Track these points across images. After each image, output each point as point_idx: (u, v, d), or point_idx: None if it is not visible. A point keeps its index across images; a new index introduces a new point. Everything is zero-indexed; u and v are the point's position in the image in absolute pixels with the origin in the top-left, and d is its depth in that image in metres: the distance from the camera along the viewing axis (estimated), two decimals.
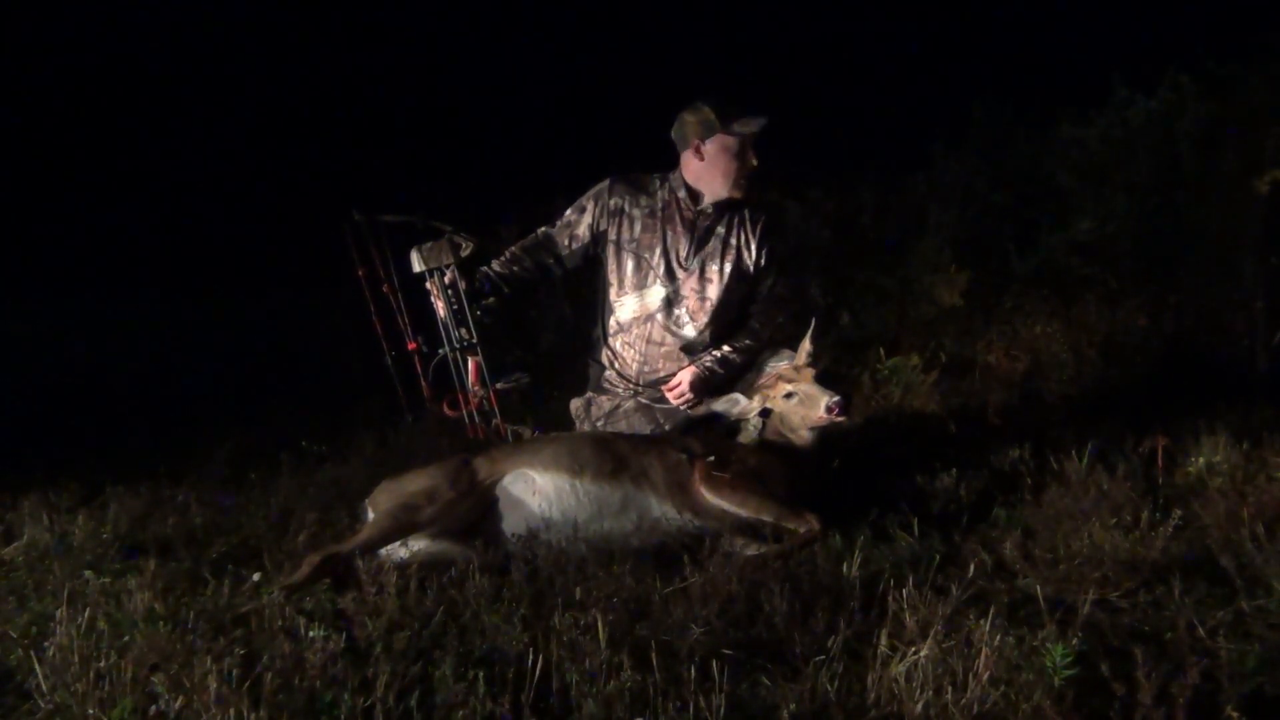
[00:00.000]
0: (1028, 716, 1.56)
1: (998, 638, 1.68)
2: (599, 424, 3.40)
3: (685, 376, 3.22)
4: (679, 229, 3.29)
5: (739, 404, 2.98)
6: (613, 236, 3.34)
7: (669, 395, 3.26)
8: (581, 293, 3.60)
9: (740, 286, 3.30)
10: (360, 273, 3.11)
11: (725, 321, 3.32)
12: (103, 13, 7.29)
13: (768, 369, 3.20)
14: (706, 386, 3.20)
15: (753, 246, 3.29)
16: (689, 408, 3.23)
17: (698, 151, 3.22)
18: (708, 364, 3.24)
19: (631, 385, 3.40)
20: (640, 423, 3.33)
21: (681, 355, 3.31)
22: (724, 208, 3.27)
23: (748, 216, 3.31)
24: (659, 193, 3.34)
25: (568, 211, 3.42)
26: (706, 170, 3.23)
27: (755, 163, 3.21)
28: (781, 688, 1.71)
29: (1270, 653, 1.75)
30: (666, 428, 3.30)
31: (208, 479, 3.68)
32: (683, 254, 3.29)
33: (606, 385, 3.46)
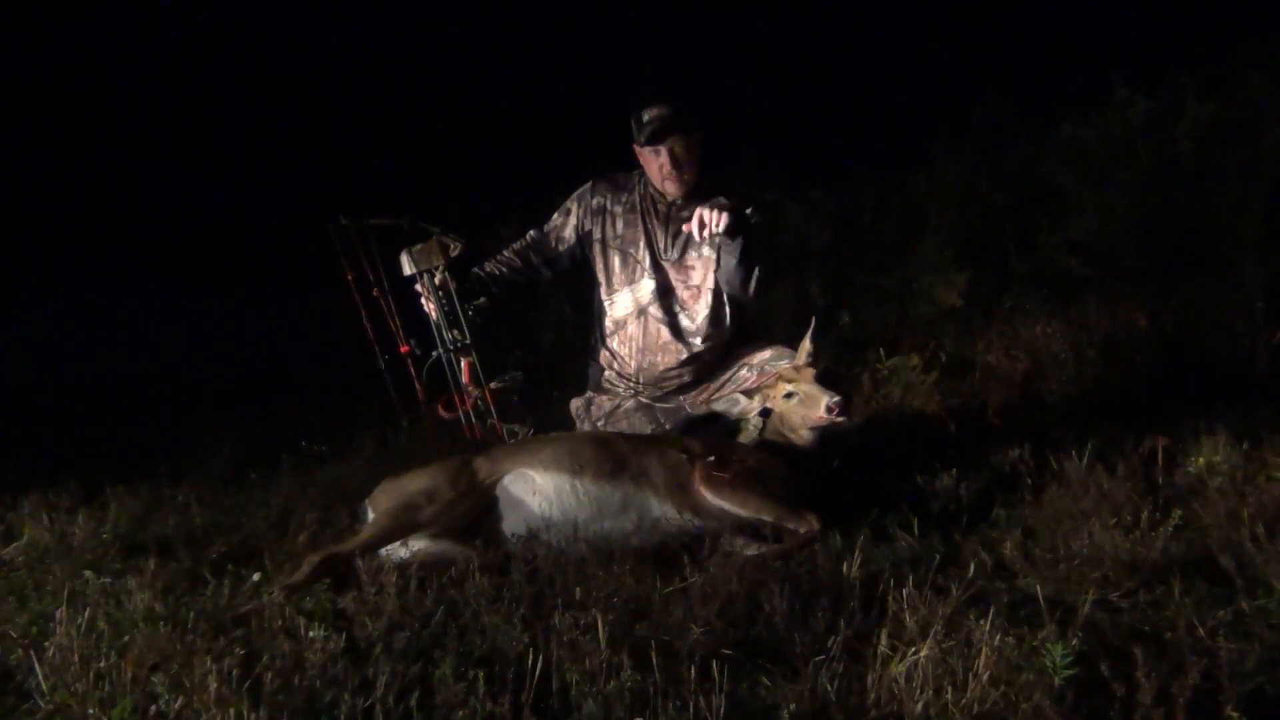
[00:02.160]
0: (1028, 716, 1.56)
1: (998, 638, 1.68)
2: (599, 424, 3.41)
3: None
4: (656, 222, 3.32)
5: (739, 404, 2.98)
6: (598, 236, 3.36)
7: (703, 217, 2.96)
8: (581, 293, 3.60)
9: None
10: (349, 277, 3.10)
11: (716, 308, 3.31)
12: (102, 15, 7.29)
13: (769, 369, 3.21)
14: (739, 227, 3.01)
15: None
16: (705, 403, 3.22)
17: (638, 157, 3.27)
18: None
19: (631, 384, 3.40)
20: (640, 422, 3.34)
21: (679, 347, 3.31)
22: (692, 198, 3.27)
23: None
24: (637, 188, 3.36)
25: (554, 215, 3.45)
26: (648, 175, 3.29)
27: (668, 164, 3.14)
28: (781, 688, 1.71)
29: (1270, 653, 1.75)
30: (667, 427, 3.30)
31: (208, 479, 3.68)
32: (662, 244, 3.31)
33: (607, 385, 3.47)
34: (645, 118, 3.15)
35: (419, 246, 3.13)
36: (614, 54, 8.45)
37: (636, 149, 3.25)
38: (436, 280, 3.12)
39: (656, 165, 3.20)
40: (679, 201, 3.28)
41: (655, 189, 3.33)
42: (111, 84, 7.53)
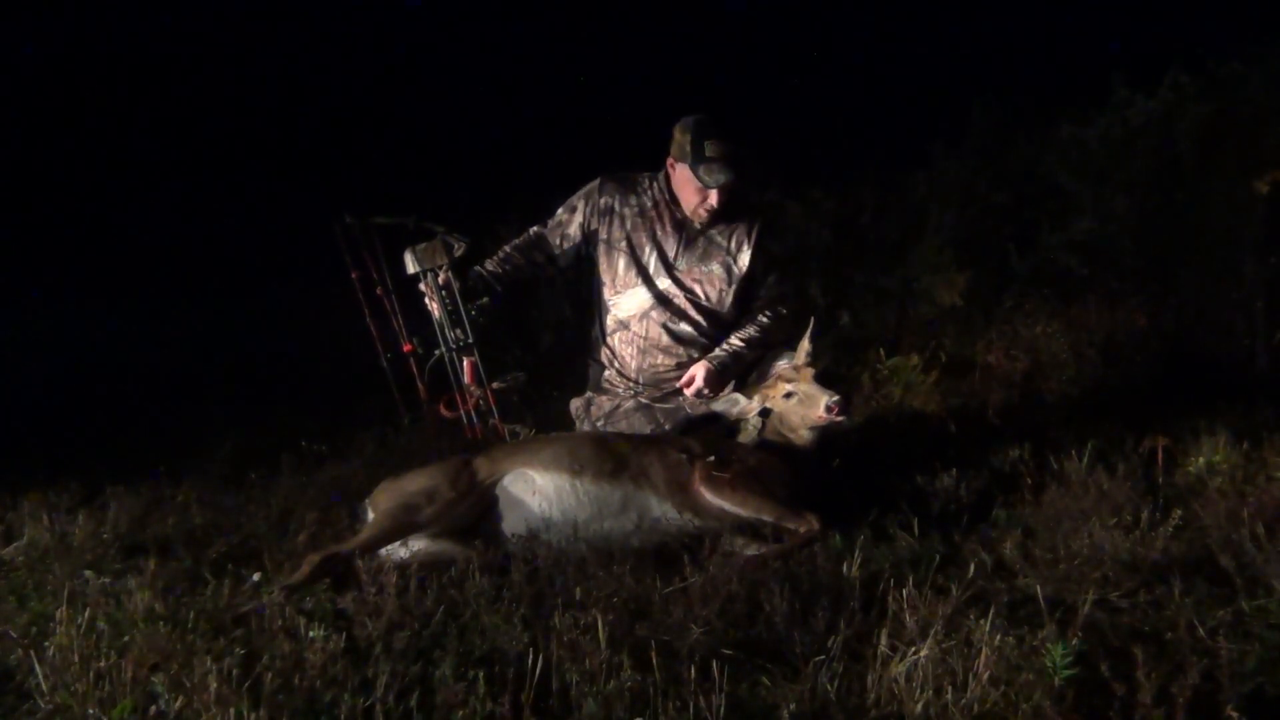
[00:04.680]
0: (1028, 716, 1.56)
1: (998, 638, 1.68)
2: (599, 424, 3.41)
3: (699, 371, 3.17)
4: (668, 228, 3.31)
5: (739, 404, 2.98)
6: (604, 236, 3.35)
7: (685, 391, 3.22)
8: (581, 293, 3.60)
9: (733, 288, 3.31)
10: (354, 275, 3.10)
11: (720, 320, 3.32)
12: (101, 15, 7.29)
13: (770, 370, 3.21)
14: (721, 380, 3.17)
15: (745, 251, 3.29)
16: (704, 402, 3.23)
17: (672, 167, 3.25)
18: (720, 357, 3.21)
19: (631, 384, 3.40)
20: (640, 423, 3.33)
21: (680, 352, 3.31)
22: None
23: (741, 222, 3.31)
24: (649, 191, 3.35)
25: (559, 211, 3.43)
26: (676, 187, 3.27)
27: (715, 205, 3.17)
28: (781, 688, 1.71)
29: (1270, 653, 1.76)
30: (666, 428, 3.30)
31: (208, 479, 3.68)
32: (671, 253, 3.30)
33: (606, 385, 3.47)
34: (707, 152, 3.07)
35: (423, 245, 3.13)
36: (615, 54, 8.46)
37: (673, 161, 3.21)
38: (440, 279, 3.11)
39: (698, 197, 3.17)
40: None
41: (670, 196, 3.31)
42: (114, 82, 7.52)
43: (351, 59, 8.51)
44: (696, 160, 3.10)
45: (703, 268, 3.29)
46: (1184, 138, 4.88)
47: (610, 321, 3.41)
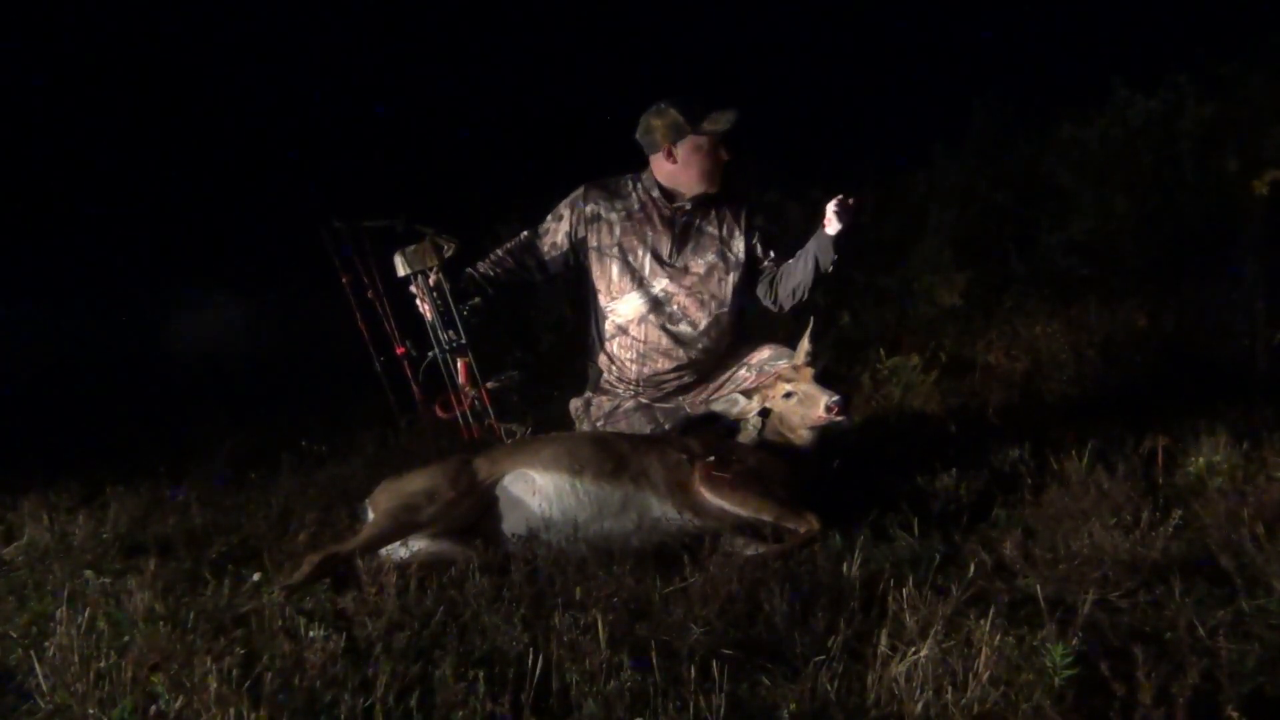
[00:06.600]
0: (1028, 716, 1.56)
1: (998, 638, 1.68)
2: (599, 424, 3.40)
3: (833, 202, 3.02)
4: (659, 228, 3.30)
5: (739, 404, 2.98)
6: (593, 243, 3.33)
7: (837, 212, 3.02)
8: (580, 293, 3.59)
9: (730, 275, 3.30)
10: (344, 279, 3.09)
11: (719, 314, 3.31)
12: (97, 17, 7.30)
13: (767, 369, 3.21)
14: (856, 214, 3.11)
15: (739, 236, 3.29)
16: (704, 402, 3.26)
17: (669, 155, 3.22)
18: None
19: (631, 387, 3.40)
20: (640, 423, 3.33)
21: (679, 354, 3.31)
22: (701, 202, 3.28)
23: (727, 209, 3.32)
24: (634, 194, 3.33)
25: (547, 218, 3.41)
26: (681, 171, 3.24)
27: (727, 156, 3.21)
28: (781, 688, 1.71)
29: (1270, 653, 1.76)
30: (666, 427, 3.30)
31: (208, 479, 3.68)
32: (665, 252, 3.30)
33: (606, 387, 3.46)
34: (698, 109, 3.14)
35: (413, 247, 3.11)
36: (613, 54, 8.46)
37: (670, 146, 3.20)
38: (431, 281, 3.10)
39: (710, 160, 3.19)
40: (686, 206, 3.28)
41: (660, 193, 3.29)
42: (112, 85, 7.53)
43: (349, 61, 8.52)
44: (694, 120, 3.13)
45: (698, 260, 3.28)
46: (1184, 138, 4.89)
47: (608, 327, 3.39)
